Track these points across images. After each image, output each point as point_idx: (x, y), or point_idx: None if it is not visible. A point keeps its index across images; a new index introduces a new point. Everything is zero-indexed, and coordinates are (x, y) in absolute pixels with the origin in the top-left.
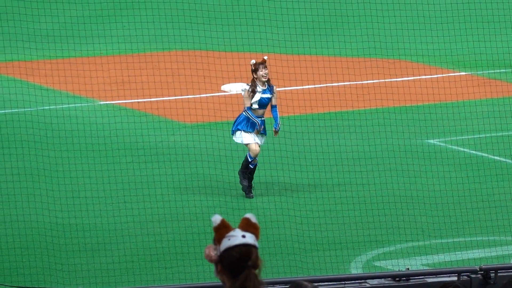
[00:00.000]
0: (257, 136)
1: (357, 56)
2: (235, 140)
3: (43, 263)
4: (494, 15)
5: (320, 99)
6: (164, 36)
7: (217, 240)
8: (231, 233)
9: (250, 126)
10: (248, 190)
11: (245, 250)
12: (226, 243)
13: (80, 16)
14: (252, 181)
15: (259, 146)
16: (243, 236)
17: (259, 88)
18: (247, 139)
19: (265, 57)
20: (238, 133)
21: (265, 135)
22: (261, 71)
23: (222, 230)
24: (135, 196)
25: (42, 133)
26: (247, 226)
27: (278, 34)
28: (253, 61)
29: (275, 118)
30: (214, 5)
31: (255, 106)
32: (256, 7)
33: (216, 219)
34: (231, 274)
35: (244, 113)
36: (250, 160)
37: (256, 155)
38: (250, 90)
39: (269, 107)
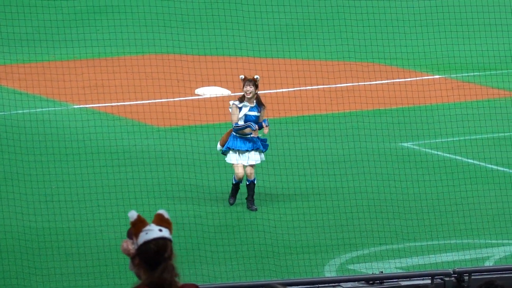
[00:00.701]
0: (248, 153)
1: (330, 59)
2: (226, 161)
3: (16, 267)
4: (467, 19)
5: (293, 103)
6: (138, 40)
7: (134, 234)
8: (148, 227)
9: (239, 141)
10: (249, 204)
11: (162, 243)
12: (144, 236)
13: (54, 20)
14: (253, 196)
15: (246, 167)
16: (160, 230)
17: (246, 104)
18: (229, 158)
19: (256, 76)
20: (228, 154)
21: (263, 151)
22: (245, 87)
23: (138, 224)
24: (108, 200)
25: (16, 137)
26: (161, 221)
27: (251, 38)
28: (242, 76)
29: (264, 120)
30: (188, 9)
31: (241, 123)
32: (229, 11)
33: (133, 214)
34: (148, 266)
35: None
36: (233, 182)
37: (240, 179)
38: (237, 103)
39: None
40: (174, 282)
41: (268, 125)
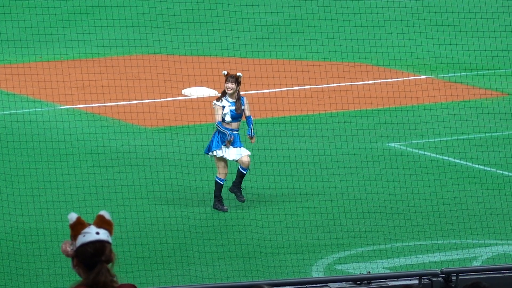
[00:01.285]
0: (229, 148)
1: (317, 59)
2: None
3: (3, 268)
4: (454, 19)
5: (280, 103)
6: (125, 40)
7: (73, 236)
8: (86, 229)
9: (220, 140)
10: (237, 191)
11: (99, 246)
12: (81, 239)
13: (40, 20)
14: (242, 185)
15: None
16: (97, 233)
17: (229, 100)
18: (217, 153)
19: (239, 74)
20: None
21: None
22: (227, 83)
23: (78, 226)
24: (96, 200)
25: (3, 137)
26: (102, 222)
27: (238, 38)
28: (224, 72)
29: (248, 124)
30: (175, 9)
31: (228, 119)
32: (216, 11)
33: (72, 216)
34: (86, 267)
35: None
36: (219, 181)
37: (224, 175)
38: (218, 102)
39: (249, 107)
40: (111, 282)
41: (254, 135)
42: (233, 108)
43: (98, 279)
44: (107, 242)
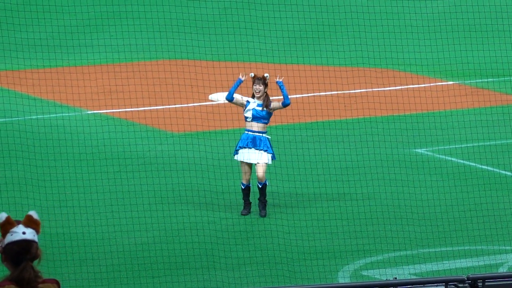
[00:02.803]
0: (250, 151)
1: (344, 65)
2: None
3: None
4: (481, 25)
5: (307, 109)
6: (152, 45)
7: (2, 235)
8: (14, 229)
9: (240, 143)
10: (259, 206)
11: (25, 245)
12: (9, 238)
13: (68, 25)
14: (265, 198)
15: (253, 166)
16: (24, 233)
17: (255, 100)
18: (237, 156)
19: (266, 74)
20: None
21: (269, 153)
22: (255, 85)
23: (6, 226)
24: (122, 205)
25: (30, 142)
26: (30, 222)
27: (265, 44)
28: (252, 74)
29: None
30: (202, 15)
31: (249, 115)
32: (243, 17)
33: (2, 216)
34: (12, 264)
35: None
36: (242, 187)
37: (247, 181)
38: (245, 99)
39: (276, 113)
40: (35, 277)
41: (281, 79)
42: (259, 109)
43: (23, 275)
44: (33, 241)
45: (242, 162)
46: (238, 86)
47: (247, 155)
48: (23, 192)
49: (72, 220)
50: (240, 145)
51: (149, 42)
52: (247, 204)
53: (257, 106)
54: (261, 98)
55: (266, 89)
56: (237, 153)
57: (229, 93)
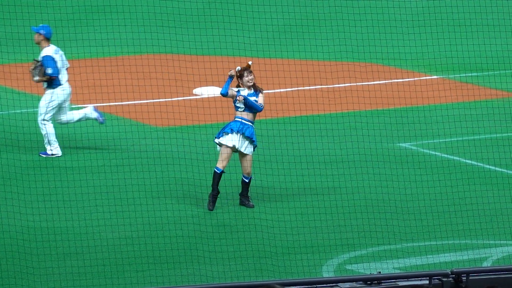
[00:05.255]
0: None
1: (328, 59)
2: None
3: (14, 267)
4: (465, 19)
5: (291, 103)
6: (136, 39)
7: None
8: None
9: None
10: (245, 200)
11: None
12: None
13: (52, 19)
14: (248, 193)
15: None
16: None
17: (245, 91)
18: (222, 139)
19: (250, 62)
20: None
21: (254, 144)
22: (246, 77)
23: None
24: (106, 199)
25: (13, 136)
26: None
27: (249, 38)
28: (238, 68)
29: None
30: (186, 9)
31: (241, 107)
32: (227, 11)
33: None
34: None
35: None
36: (216, 172)
37: (224, 167)
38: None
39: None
40: None
41: (243, 99)
42: (252, 97)
43: None
44: None
45: (226, 147)
46: (230, 82)
47: (236, 141)
48: (6, 186)
49: (56, 214)
50: (232, 128)
51: (133, 36)
52: (216, 193)
53: (248, 95)
54: (250, 88)
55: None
56: (221, 136)
57: (224, 88)
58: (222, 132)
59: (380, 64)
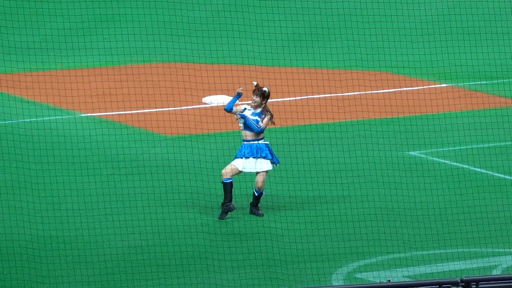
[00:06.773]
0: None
1: (338, 68)
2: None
3: (24, 276)
4: (474, 27)
5: (301, 111)
6: (145, 48)
7: None
8: None
9: (246, 148)
10: (254, 209)
11: None
12: None
13: (61, 28)
14: (258, 204)
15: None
16: None
17: (251, 108)
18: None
19: (254, 83)
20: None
21: (268, 158)
22: (252, 96)
23: None
24: (116, 208)
25: (23, 145)
26: None
27: (259, 46)
28: (254, 83)
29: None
30: (195, 18)
31: (241, 125)
32: (237, 20)
33: None
34: None
35: None
36: (225, 182)
37: (226, 174)
38: (242, 107)
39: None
40: None
41: (241, 118)
42: (252, 117)
43: None
44: None
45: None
46: (237, 99)
47: (247, 164)
48: (16, 195)
49: (65, 223)
50: (238, 156)
51: (143, 45)
52: (230, 200)
53: (251, 114)
54: (257, 108)
55: (264, 102)
56: (234, 158)
57: (228, 104)
58: (235, 156)
59: (389, 73)
